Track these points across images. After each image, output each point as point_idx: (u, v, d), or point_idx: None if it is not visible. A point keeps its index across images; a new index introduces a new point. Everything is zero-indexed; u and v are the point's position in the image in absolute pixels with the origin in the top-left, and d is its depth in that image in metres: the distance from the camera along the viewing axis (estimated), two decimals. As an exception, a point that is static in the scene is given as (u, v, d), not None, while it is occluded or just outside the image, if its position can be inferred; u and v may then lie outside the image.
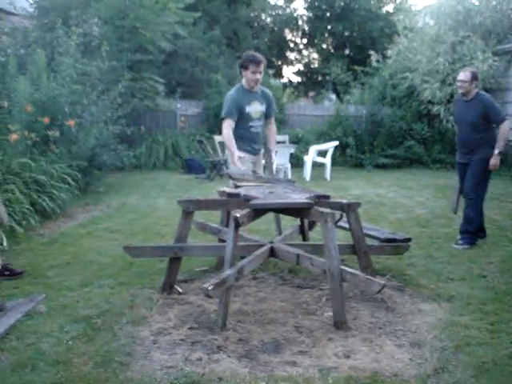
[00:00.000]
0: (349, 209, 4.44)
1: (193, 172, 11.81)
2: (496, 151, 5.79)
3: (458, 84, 5.99)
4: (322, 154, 11.84)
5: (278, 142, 12.62)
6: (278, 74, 25.06)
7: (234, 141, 5.21)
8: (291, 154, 11.48)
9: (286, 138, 12.69)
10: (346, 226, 4.63)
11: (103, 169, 9.33)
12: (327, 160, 11.52)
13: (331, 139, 13.17)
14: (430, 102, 13.18)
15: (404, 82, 13.81)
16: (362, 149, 13.62)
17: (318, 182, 10.84)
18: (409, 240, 4.78)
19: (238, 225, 3.82)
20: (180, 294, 4.55)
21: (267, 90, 5.71)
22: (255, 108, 5.42)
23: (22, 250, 5.74)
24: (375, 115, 13.99)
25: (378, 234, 4.79)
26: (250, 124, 5.43)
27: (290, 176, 10.51)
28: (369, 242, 4.79)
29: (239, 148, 5.26)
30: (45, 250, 5.78)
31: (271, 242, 4.50)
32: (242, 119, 5.35)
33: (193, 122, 13.63)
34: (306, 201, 4.06)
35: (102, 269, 5.13)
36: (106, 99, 9.35)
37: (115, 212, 7.74)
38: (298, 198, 4.18)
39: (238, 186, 4.74)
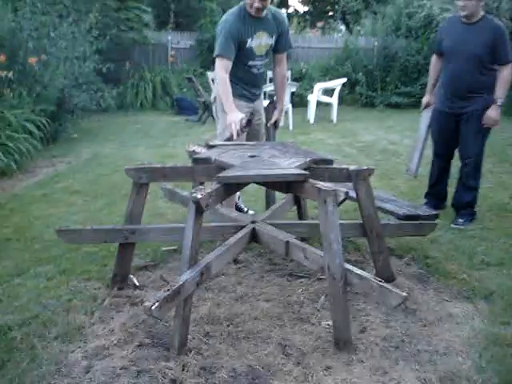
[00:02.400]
0: (357, 178, 3.30)
1: (184, 113, 10.60)
2: (499, 101, 4.32)
3: (461, 4, 4.36)
4: (329, 92, 10.56)
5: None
6: (283, 3, 23.29)
7: (230, 92, 3.88)
8: (293, 93, 10.21)
9: (288, 74, 11.37)
10: (353, 194, 3.51)
11: (76, 113, 8.13)
12: (334, 99, 10.26)
13: (339, 75, 11.83)
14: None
15: (421, 10, 12.44)
16: (373, 86, 12.27)
17: (323, 126, 9.63)
18: (436, 216, 3.65)
19: (200, 210, 2.71)
20: (136, 287, 3.51)
21: (280, 13, 4.23)
22: (261, 42, 4.03)
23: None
24: (388, 48, 12.54)
25: (396, 209, 3.67)
26: (251, 63, 4.08)
27: (291, 118, 9.29)
28: (382, 217, 3.67)
29: (234, 93, 3.97)
30: (-17, 219, 4.73)
31: (253, 222, 3.40)
32: (241, 56, 3.97)
33: (186, 56, 12.25)
34: (296, 171, 2.93)
35: (44, 249, 4.07)
36: (77, 31, 8.04)
37: (83, 166, 6.62)
38: (288, 165, 3.05)
39: (211, 146, 3.60)
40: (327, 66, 12.90)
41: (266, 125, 4.32)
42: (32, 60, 7.05)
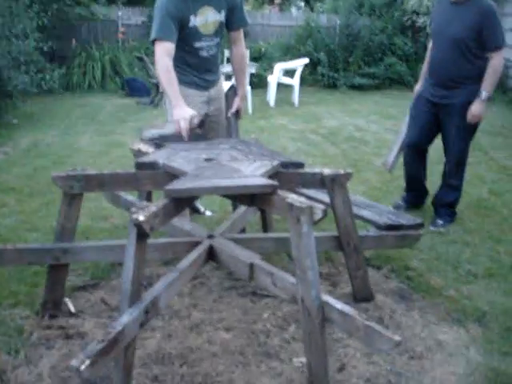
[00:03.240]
0: (333, 184, 2.81)
1: (135, 94, 9.87)
2: (483, 94, 3.80)
3: None
4: (290, 73, 10.01)
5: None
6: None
7: (176, 81, 3.26)
8: (252, 74, 9.63)
9: (246, 53, 10.77)
10: (325, 198, 3.03)
11: (15, 96, 7.36)
12: (295, 81, 9.71)
13: (300, 55, 11.27)
14: (415, 12, 11.32)
15: (385, -14, 11.86)
16: (335, 67, 11.73)
17: (284, 109, 9.09)
18: (420, 226, 3.18)
19: (143, 234, 2.16)
20: (72, 314, 2.95)
21: None
22: (206, 18, 3.40)
23: None
24: (351, 27, 12.00)
25: (375, 217, 3.18)
26: (198, 44, 3.47)
27: (250, 101, 8.72)
28: (359, 225, 3.19)
29: (182, 81, 3.39)
30: None
31: (211, 236, 2.87)
32: (184, 37, 3.37)
33: (137, 33, 11.44)
34: (262, 182, 2.40)
35: (-36, 264, 3.45)
36: (15, 7, 7.24)
37: (20, 157, 5.92)
38: (251, 172, 2.51)
39: (159, 145, 3.03)
40: (288, 45, 12.32)
41: (226, 114, 3.73)
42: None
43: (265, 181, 2.41)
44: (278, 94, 9.53)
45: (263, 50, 11.78)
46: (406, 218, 3.19)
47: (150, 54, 10.45)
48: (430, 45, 4.20)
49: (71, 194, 2.66)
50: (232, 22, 3.57)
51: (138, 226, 2.11)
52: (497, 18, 3.73)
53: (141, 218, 2.10)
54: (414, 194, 4.45)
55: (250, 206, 2.54)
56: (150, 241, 2.78)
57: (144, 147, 3.03)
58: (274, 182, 2.40)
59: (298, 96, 9.64)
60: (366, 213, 3.22)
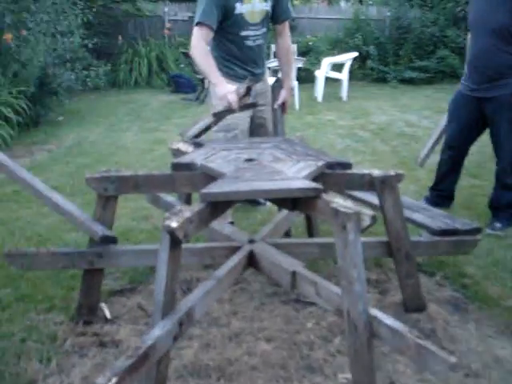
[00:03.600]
0: (383, 186, 2.60)
1: (181, 91, 9.82)
2: None
3: None
4: (338, 67, 9.75)
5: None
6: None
7: (212, 61, 3.21)
8: (299, 69, 9.41)
9: (294, 48, 10.58)
10: (375, 200, 2.83)
11: (60, 93, 7.37)
12: (344, 75, 9.46)
13: (349, 49, 11.00)
14: (467, 2, 10.83)
15: (437, -24, 11.43)
16: (385, 60, 11.41)
17: (332, 104, 8.85)
18: (478, 231, 2.94)
19: (176, 242, 2.02)
20: (107, 320, 2.84)
21: None
22: (252, 6, 3.29)
23: None
24: (401, 19, 11.64)
25: (428, 221, 2.95)
26: (244, 33, 3.35)
27: (297, 96, 8.52)
28: (411, 230, 2.97)
29: (226, 74, 3.34)
30: None
31: (251, 241, 2.71)
32: (229, 26, 3.30)
33: (184, 29, 11.37)
34: (305, 185, 2.22)
35: (2, 265, 3.39)
36: (60, 3, 7.24)
37: (64, 155, 5.90)
38: (294, 174, 2.34)
39: (198, 144, 2.89)
40: (336, 39, 12.05)
41: (273, 107, 3.58)
42: (8, 36, 6.29)
43: (308, 183, 2.23)
44: (325, 88, 9.31)
45: (311, 44, 11.54)
46: (462, 222, 2.95)
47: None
48: (468, 36, 3.93)
49: (105, 196, 2.55)
50: (277, 14, 3.47)
51: (171, 232, 1.97)
52: None
53: (174, 224, 1.95)
54: (440, 194, 4.19)
55: (292, 210, 2.36)
56: (187, 245, 2.65)
57: (183, 146, 2.89)
58: (318, 185, 2.21)
59: (347, 91, 9.39)
60: (418, 216, 2.99)
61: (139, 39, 10.89)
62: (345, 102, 9.13)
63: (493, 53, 3.58)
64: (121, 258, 2.65)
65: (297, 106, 8.41)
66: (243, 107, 3.19)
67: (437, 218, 2.98)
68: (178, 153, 2.89)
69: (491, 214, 3.98)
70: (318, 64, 10.15)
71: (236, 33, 3.34)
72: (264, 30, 3.45)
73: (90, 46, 8.12)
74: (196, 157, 2.58)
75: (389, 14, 12.00)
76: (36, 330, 2.71)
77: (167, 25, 11.22)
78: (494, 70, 3.63)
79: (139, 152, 5.89)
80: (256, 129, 3.66)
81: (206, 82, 9.03)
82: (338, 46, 11.76)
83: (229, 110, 3.11)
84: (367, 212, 2.08)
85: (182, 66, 10.58)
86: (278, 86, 3.56)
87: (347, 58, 9.64)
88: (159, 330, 1.96)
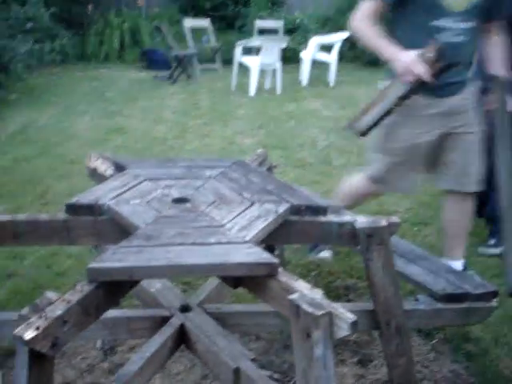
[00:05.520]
0: (370, 241, 1.86)
1: (155, 68, 8.95)
2: None
3: None
4: (326, 48, 8.91)
5: (269, 31, 9.72)
6: None
7: (382, 33, 2.40)
8: (284, 49, 8.56)
9: (280, 24, 9.77)
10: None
11: (14, 68, 6.50)
12: (332, 58, 8.64)
13: (339, 28, 10.11)
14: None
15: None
16: (378, 42, 10.57)
17: (318, 90, 8.05)
18: (494, 295, 2.19)
19: (37, 357, 1.26)
20: None
21: None
22: None
23: None
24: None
25: (429, 279, 2.20)
26: (438, 24, 2.38)
27: (279, 80, 7.71)
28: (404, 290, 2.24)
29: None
30: None
31: (185, 309, 1.96)
32: (416, 11, 2.39)
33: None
34: (251, 259, 1.46)
35: None
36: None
37: (3, 143, 5.09)
38: (239, 231, 1.59)
39: (121, 167, 2.11)
40: (326, 17, 11.16)
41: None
42: None
43: (255, 256, 1.47)
44: (312, 71, 8.50)
45: (298, 21, 10.66)
46: (474, 283, 2.21)
47: (174, 23, 9.51)
48: None
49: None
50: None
51: (27, 343, 1.21)
52: None
53: (30, 334, 1.20)
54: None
55: (235, 287, 1.62)
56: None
57: (102, 166, 2.12)
58: (271, 258, 1.46)
59: (335, 75, 8.58)
60: (415, 270, 2.24)
61: (112, 8, 9.92)
62: (332, 87, 8.34)
63: None
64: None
65: (278, 91, 7.61)
66: (438, 73, 2.30)
67: (440, 275, 2.23)
68: (95, 174, 2.13)
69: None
70: (304, 43, 9.29)
71: (425, 23, 2.39)
72: (471, 23, 2.42)
73: (52, 13, 7.21)
74: (105, 193, 1.81)
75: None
76: None
77: (140, -7, 10.25)
78: None
79: (91, 142, 5.09)
80: (442, 154, 2.69)
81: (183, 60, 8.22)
82: (327, 25, 10.88)
83: (417, 87, 2.32)
84: (346, 315, 1.34)
85: (158, 40, 9.66)
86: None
87: (337, 38, 8.80)
88: None
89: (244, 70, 7.73)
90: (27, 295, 2.59)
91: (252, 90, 7.52)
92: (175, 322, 1.86)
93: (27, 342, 1.20)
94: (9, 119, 5.82)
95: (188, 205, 1.76)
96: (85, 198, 1.77)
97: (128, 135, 5.32)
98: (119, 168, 2.09)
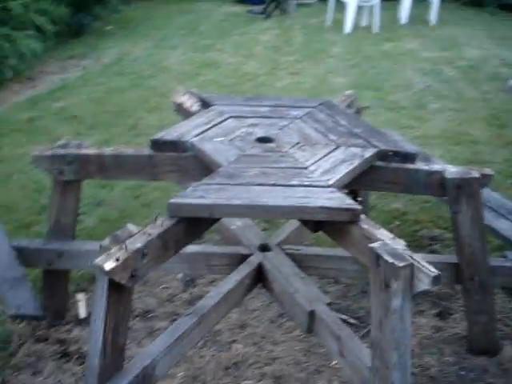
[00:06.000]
0: (459, 192, 1.77)
1: (249, 1, 8.79)
2: None
3: None
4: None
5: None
6: None
7: None
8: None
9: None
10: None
11: (111, 0, 6.59)
12: (434, -6, 8.15)
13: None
14: None
15: None
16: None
17: (417, 29, 7.64)
18: None
19: (118, 286, 1.31)
20: (79, 321, 2.24)
21: None
22: None
23: None
24: None
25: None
26: None
27: (377, 17, 7.39)
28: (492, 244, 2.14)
29: None
30: None
31: (264, 248, 1.97)
32: None
33: None
34: (331, 204, 1.43)
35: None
36: None
37: (98, 74, 5.22)
38: (322, 174, 1.56)
39: (207, 104, 2.10)
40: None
41: None
42: None
43: (337, 200, 1.44)
44: (412, 9, 8.05)
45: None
46: None
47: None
48: None
49: (63, 181, 1.85)
50: None
51: (109, 273, 1.26)
52: None
53: (110, 265, 1.25)
54: None
55: (315, 231, 1.59)
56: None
57: (188, 101, 2.13)
58: (354, 204, 1.43)
59: (437, 13, 8.10)
60: (505, 226, 2.14)
61: None
62: (432, 27, 7.88)
63: None
64: (85, 258, 1.98)
65: (375, 29, 7.30)
66: None
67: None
68: (180, 109, 2.14)
69: None
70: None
71: None
72: None
73: None
74: (189, 129, 1.81)
75: None
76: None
77: None
78: None
79: (182, 77, 5.13)
80: None
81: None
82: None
83: None
84: (429, 269, 1.29)
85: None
86: None
87: (442, -27, 8.27)
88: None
89: (340, 5, 7.44)
90: (114, 224, 2.67)
91: (347, 27, 7.26)
92: (254, 260, 1.88)
93: (107, 273, 1.25)
94: (104, 51, 5.96)
95: (271, 144, 1.74)
96: (169, 134, 1.79)
97: (219, 70, 5.31)
98: (205, 104, 2.09)
